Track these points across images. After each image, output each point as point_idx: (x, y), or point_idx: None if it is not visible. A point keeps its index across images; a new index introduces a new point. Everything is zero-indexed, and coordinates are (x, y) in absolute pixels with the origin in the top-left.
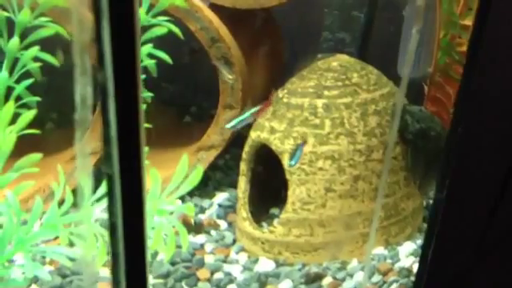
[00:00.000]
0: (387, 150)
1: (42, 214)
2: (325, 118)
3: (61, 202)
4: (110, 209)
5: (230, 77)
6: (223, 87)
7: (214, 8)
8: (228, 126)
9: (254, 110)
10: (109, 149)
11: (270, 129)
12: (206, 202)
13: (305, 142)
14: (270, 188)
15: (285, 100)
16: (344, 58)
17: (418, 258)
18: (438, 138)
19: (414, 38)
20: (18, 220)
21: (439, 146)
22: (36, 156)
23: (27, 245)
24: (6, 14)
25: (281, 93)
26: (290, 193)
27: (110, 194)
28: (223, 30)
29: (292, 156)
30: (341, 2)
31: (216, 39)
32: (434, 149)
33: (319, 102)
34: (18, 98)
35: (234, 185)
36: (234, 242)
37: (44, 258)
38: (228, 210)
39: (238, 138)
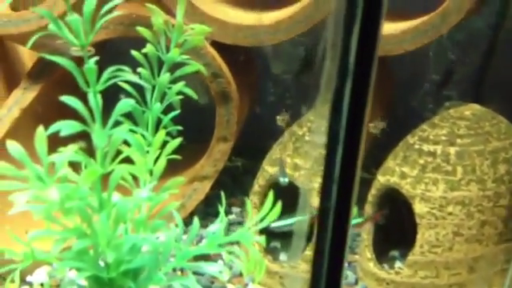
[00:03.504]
0: None
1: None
2: (457, 165)
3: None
4: (319, 241)
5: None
6: (218, 120)
7: (215, 45)
8: (273, 225)
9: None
10: (329, 184)
11: (401, 174)
12: None
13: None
14: (389, 230)
15: (416, 147)
16: (476, 107)
17: None
18: None
19: None
20: (180, 236)
21: None
22: (180, 179)
23: (186, 260)
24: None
25: (411, 139)
26: (419, 236)
27: (321, 225)
28: (224, 67)
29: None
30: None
31: (218, 74)
32: None
33: (452, 150)
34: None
35: None
36: (357, 281)
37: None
38: None
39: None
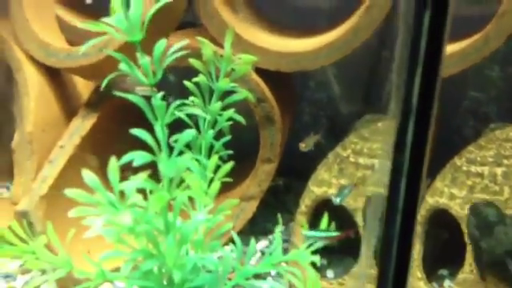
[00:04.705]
0: None
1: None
2: (504, 185)
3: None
4: (383, 267)
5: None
6: (263, 143)
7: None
8: (307, 233)
9: (336, 234)
10: (394, 214)
11: (450, 195)
12: None
13: (355, 185)
14: (438, 250)
15: (464, 168)
16: None
17: None
18: None
19: None
20: (239, 255)
21: None
22: (235, 201)
23: (245, 277)
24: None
25: (459, 161)
26: (468, 254)
27: (385, 251)
28: (267, 91)
29: (338, 194)
30: None
31: (261, 99)
32: None
33: (499, 170)
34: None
35: None
36: None
37: None
38: None
39: None
